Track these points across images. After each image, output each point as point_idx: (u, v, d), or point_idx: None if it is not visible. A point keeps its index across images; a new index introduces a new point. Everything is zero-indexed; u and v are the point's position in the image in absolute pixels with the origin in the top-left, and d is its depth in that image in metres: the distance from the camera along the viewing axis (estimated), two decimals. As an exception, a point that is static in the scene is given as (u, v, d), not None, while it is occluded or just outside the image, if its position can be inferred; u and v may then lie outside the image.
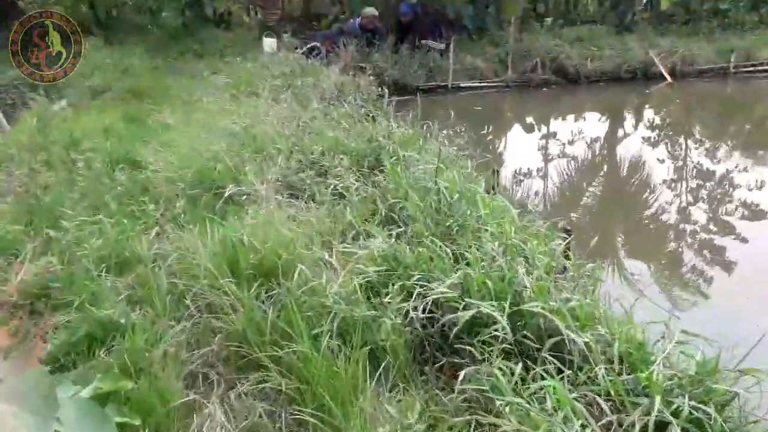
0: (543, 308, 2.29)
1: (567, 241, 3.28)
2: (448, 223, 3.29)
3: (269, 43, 11.02)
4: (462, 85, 10.02)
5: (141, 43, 10.72)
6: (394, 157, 4.28)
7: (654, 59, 10.62)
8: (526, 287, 2.49)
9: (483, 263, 2.68)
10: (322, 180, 4.28)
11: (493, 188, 4.44)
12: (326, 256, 2.98)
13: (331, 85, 7.65)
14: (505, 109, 9.87)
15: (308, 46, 9.22)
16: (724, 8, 12.51)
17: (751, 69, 11.04)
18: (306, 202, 4.04)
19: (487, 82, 10.15)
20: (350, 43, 9.50)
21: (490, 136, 8.61)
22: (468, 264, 2.69)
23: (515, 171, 7.12)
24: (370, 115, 7.18)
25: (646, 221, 5.69)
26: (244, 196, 3.90)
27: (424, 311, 2.44)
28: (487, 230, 3.14)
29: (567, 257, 3.16)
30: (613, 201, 6.42)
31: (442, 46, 10.44)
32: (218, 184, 4.03)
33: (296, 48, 9.40)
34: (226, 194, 3.86)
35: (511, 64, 10.16)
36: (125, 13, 13.12)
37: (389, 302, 2.48)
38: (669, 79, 10.48)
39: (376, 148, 4.56)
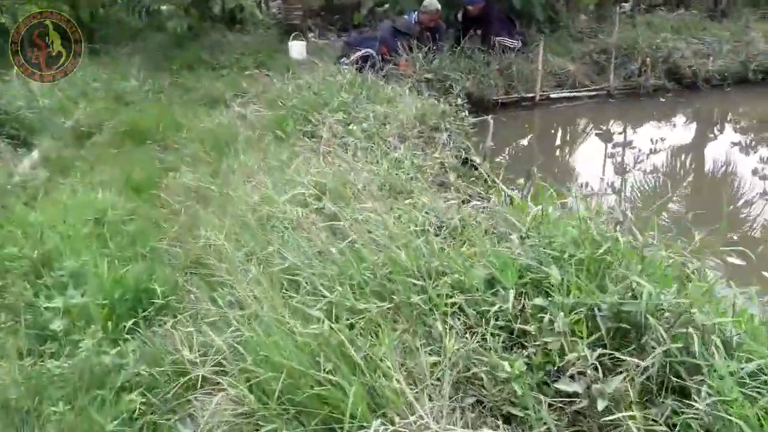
0: None
1: None
2: None
3: (298, 48, 8.78)
4: (552, 96, 7.81)
5: (137, 54, 8.46)
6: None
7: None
8: None
9: None
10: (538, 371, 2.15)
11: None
12: None
13: (410, 115, 5.47)
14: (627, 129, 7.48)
15: (360, 53, 6.97)
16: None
17: None
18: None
19: (586, 90, 7.92)
20: (411, 47, 7.27)
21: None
22: None
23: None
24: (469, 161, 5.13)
25: None
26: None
27: None
28: None
29: None
30: None
31: (519, 44, 8.21)
32: (341, 409, 1.91)
33: (342, 57, 7.17)
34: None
35: (613, 67, 7.92)
36: (115, 14, 10.80)
37: None
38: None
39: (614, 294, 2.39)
